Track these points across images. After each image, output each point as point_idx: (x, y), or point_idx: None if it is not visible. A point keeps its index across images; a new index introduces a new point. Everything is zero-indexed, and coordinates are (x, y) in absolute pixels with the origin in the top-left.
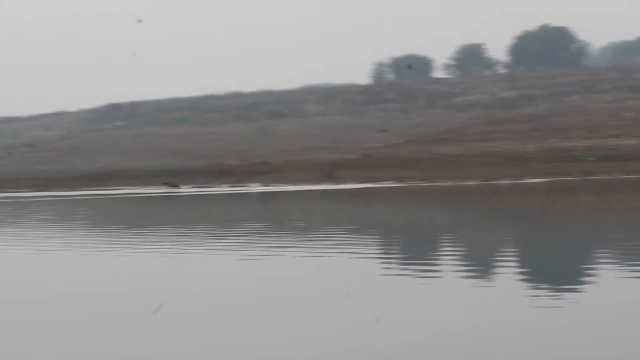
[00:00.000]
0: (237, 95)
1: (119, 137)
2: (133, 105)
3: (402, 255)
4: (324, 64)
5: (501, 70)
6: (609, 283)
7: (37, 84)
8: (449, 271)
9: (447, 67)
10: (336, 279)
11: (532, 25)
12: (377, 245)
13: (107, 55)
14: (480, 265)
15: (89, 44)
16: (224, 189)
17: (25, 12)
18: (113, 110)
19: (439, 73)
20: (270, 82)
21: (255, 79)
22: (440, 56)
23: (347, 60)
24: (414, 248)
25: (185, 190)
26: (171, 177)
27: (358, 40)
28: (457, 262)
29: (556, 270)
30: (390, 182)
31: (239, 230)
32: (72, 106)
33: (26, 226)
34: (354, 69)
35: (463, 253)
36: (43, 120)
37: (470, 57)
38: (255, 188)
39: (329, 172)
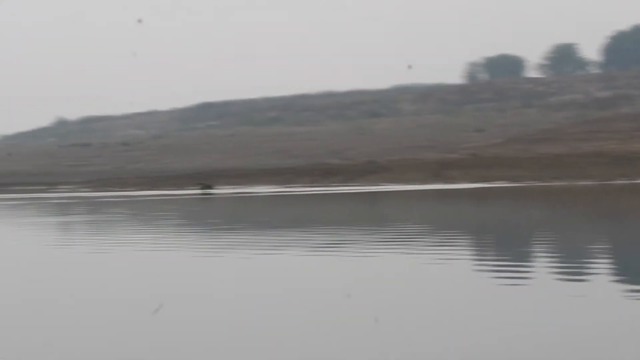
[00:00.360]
0: (331, 95)
1: (213, 136)
2: (225, 104)
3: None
4: (416, 64)
5: (594, 70)
6: None
7: (129, 83)
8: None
9: (540, 66)
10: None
11: (625, 24)
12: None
13: (200, 54)
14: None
15: (182, 43)
16: (333, 188)
17: (119, 14)
18: (206, 109)
19: (531, 72)
20: (363, 81)
21: (347, 78)
22: (533, 56)
23: (438, 59)
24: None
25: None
26: (276, 176)
27: (450, 40)
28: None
29: None
30: (503, 181)
31: (398, 233)
32: (164, 105)
33: (173, 226)
34: (446, 69)
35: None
36: (135, 119)
37: (563, 57)
38: (368, 187)
39: (437, 171)
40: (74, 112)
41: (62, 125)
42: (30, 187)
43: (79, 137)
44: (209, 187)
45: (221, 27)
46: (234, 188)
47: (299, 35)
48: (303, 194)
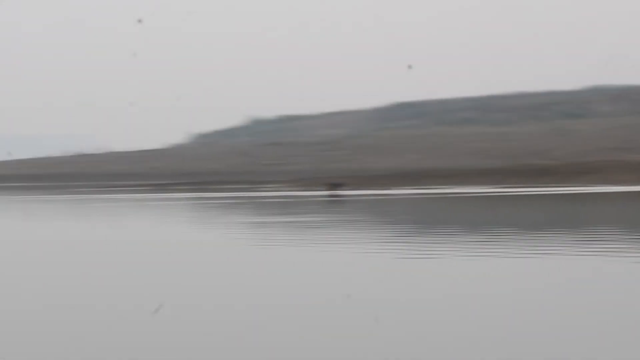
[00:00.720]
0: (524, 95)
1: (408, 136)
2: (420, 104)
3: None
4: (608, 65)
5: None
6: None
7: (324, 82)
8: None
9: None
10: None
11: None
12: None
13: (391, 54)
14: None
15: (378, 43)
16: (548, 189)
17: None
18: (400, 109)
19: None
20: (555, 82)
21: (539, 79)
22: None
23: (631, 60)
24: None
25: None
26: (482, 177)
27: None
28: None
29: None
30: None
31: None
32: (358, 104)
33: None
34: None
35: None
36: (330, 118)
37: None
38: (584, 188)
39: None
40: (268, 111)
41: (256, 124)
42: (233, 186)
43: (273, 136)
44: (338, 187)
45: (416, 28)
46: (443, 188)
47: (490, 37)
48: (523, 195)
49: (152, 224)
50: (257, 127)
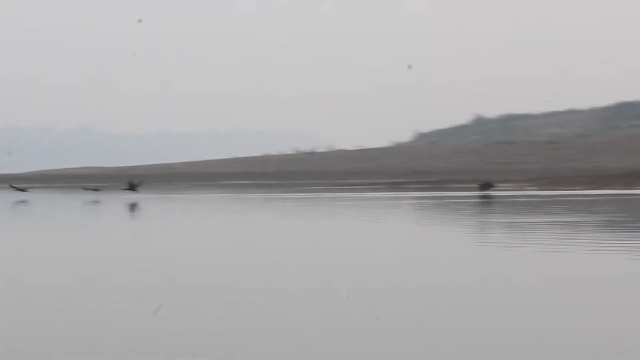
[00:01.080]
0: None
1: (638, 136)
2: None
3: None
4: None
5: None
6: None
7: (550, 81)
8: None
9: None
10: None
11: None
12: None
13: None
14: None
15: (595, 43)
16: None
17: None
18: (627, 109)
19: None
20: None
21: None
22: None
23: None
24: None
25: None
26: None
27: None
28: None
29: None
30: None
31: None
32: (584, 104)
33: None
34: None
35: None
36: (556, 117)
37: None
38: None
39: None
40: (492, 110)
41: (480, 123)
42: (468, 185)
43: (499, 135)
44: (489, 187)
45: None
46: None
47: None
48: None
49: (408, 224)
50: (481, 126)
